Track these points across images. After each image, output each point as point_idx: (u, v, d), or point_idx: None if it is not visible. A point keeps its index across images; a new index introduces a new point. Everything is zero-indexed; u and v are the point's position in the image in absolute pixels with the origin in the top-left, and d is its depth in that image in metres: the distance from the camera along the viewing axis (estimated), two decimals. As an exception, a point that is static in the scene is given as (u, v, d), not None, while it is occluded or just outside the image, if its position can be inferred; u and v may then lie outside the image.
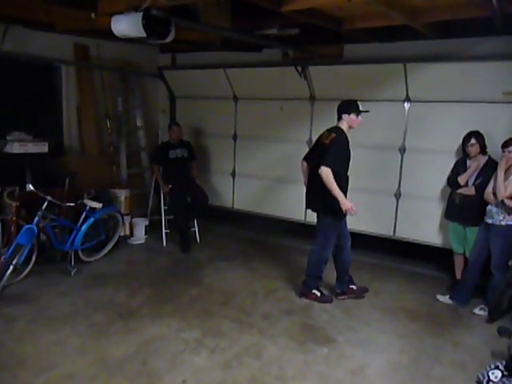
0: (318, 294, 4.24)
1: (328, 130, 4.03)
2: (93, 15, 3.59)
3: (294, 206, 5.89)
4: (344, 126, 3.97)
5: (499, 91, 4.41)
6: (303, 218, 5.87)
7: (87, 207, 4.72)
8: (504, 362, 2.97)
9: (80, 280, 4.51)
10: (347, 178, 4.03)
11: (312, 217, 5.72)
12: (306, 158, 4.27)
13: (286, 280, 4.74)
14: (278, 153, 5.94)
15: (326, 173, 3.77)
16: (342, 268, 4.30)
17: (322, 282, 4.34)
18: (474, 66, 4.47)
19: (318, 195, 3.99)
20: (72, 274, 4.57)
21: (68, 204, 4.60)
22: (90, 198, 4.80)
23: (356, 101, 3.98)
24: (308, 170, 4.16)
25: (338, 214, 3.91)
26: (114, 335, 3.47)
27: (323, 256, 4.15)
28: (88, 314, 3.79)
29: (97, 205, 4.76)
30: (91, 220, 4.77)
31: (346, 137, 3.96)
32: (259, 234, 6.29)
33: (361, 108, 3.94)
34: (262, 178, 6.13)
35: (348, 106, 3.96)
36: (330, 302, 4.22)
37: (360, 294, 4.32)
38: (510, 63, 4.26)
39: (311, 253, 4.21)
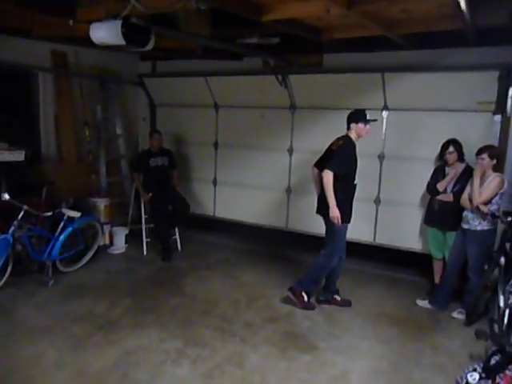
0: (305, 298, 4.24)
1: (338, 138, 4.12)
2: (71, 22, 3.56)
3: (276, 213, 5.93)
4: (353, 134, 4.05)
5: (474, 100, 4.54)
6: (285, 226, 5.90)
7: (65, 216, 4.64)
8: (482, 365, 3.02)
9: (58, 291, 4.41)
10: (354, 185, 4.11)
11: (294, 224, 5.82)
12: (316, 164, 4.30)
13: (268, 288, 4.73)
14: (259, 161, 5.97)
15: (327, 176, 3.88)
16: (331, 277, 4.33)
17: (316, 289, 4.34)
18: (448, 76, 4.59)
19: (326, 199, 4.00)
20: (49, 285, 4.47)
21: (45, 213, 4.51)
22: (68, 207, 4.72)
23: (364, 110, 4.07)
24: (318, 176, 4.18)
25: (343, 217, 3.96)
26: (93, 347, 3.41)
27: (328, 263, 4.16)
28: (66, 326, 3.71)
29: (75, 214, 4.68)
30: (69, 229, 4.69)
31: (354, 145, 4.05)
32: (241, 242, 6.28)
33: (368, 117, 4.02)
34: (244, 186, 6.13)
35: (356, 116, 4.05)
36: (313, 309, 4.23)
37: (342, 305, 4.33)
38: (483, 73, 4.39)
39: (318, 256, 4.21)
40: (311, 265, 4.28)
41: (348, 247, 4.24)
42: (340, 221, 3.93)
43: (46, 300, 4.19)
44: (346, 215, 4.03)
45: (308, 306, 4.23)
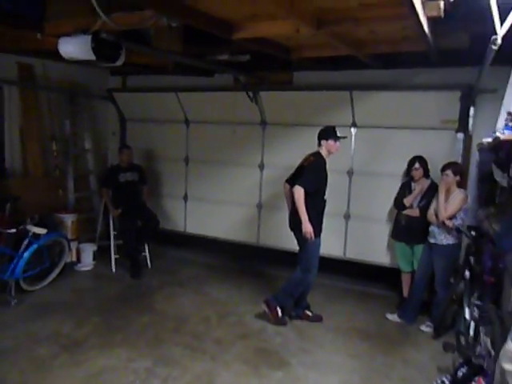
0: (280, 313, 4.22)
1: (309, 155, 4.17)
2: (39, 36, 3.50)
3: (247, 229, 5.92)
4: (323, 151, 4.11)
5: (438, 119, 4.71)
6: (256, 241, 5.90)
7: (30, 233, 4.49)
8: (449, 377, 3.08)
9: (21, 311, 4.25)
10: (324, 201, 4.16)
11: (265, 239, 5.83)
12: (287, 180, 4.33)
13: (239, 304, 4.70)
14: (230, 176, 5.97)
15: (298, 192, 3.92)
16: (303, 292, 4.32)
17: (291, 304, 4.32)
18: (414, 95, 4.75)
19: (297, 215, 4.02)
20: (12, 304, 4.30)
21: (8, 230, 4.36)
22: (33, 224, 4.58)
23: (334, 127, 4.14)
24: (290, 192, 4.19)
25: (314, 231, 3.99)
26: (58, 369, 3.29)
27: (305, 278, 4.16)
28: (30, 347, 3.57)
29: (41, 230, 4.55)
30: (34, 246, 4.54)
31: (324, 161, 4.10)
32: (212, 258, 6.23)
33: (338, 134, 4.09)
34: (215, 202, 6.11)
35: (326, 133, 4.12)
36: (284, 325, 4.22)
37: (314, 321, 4.34)
38: (446, 93, 4.57)
39: (295, 272, 4.21)
40: (287, 280, 4.28)
41: (319, 262, 4.27)
42: (313, 236, 3.97)
43: (8, 320, 4.03)
44: (317, 230, 4.07)
45: (280, 322, 4.22)
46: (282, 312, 4.25)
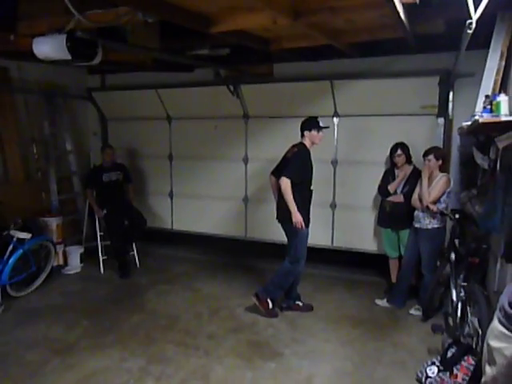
0: (270, 305, 4.24)
1: (292, 146, 4.18)
2: (12, 37, 3.42)
3: (234, 223, 5.92)
4: (307, 142, 4.13)
5: (418, 105, 4.75)
6: (244, 235, 5.91)
7: (14, 238, 4.43)
8: (439, 358, 3.14)
9: (9, 317, 4.20)
10: (311, 191, 4.18)
11: (253, 233, 5.84)
12: (273, 173, 4.34)
13: (230, 298, 4.71)
14: (215, 171, 5.95)
15: (285, 183, 3.94)
16: (292, 283, 4.34)
17: (281, 295, 4.34)
18: (393, 82, 4.78)
19: (285, 206, 4.04)
20: (0, 311, 4.24)
21: (-8, 236, 4.29)
22: (16, 229, 4.51)
23: (316, 118, 4.15)
24: (276, 184, 4.20)
25: (303, 220, 4.01)
26: (50, 374, 3.26)
27: (294, 269, 4.17)
28: (19, 353, 3.53)
29: (25, 235, 4.49)
30: (20, 252, 4.48)
31: (308, 152, 4.12)
32: (201, 254, 6.22)
33: (321, 124, 4.10)
34: (201, 198, 6.10)
35: (309, 123, 4.13)
36: (276, 316, 4.25)
37: (305, 311, 4.37)
38: (425, 79, 4.61)
39: (283, 264, 4.22)
40: (276, 271, 4.29)
41: (307, 252, 4.30)
42: (303, 225, 3.99)
43: (-4, 328, 3.98)
44: (305, 220, 4.09)
45: (271, 314, 4.24)
46: (273, 304, 4.27)
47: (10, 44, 3.69)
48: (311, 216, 4.23)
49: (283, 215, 4.13)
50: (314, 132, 4.10)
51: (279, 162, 4.30)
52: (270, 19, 3.12)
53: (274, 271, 4.44)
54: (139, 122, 6.38)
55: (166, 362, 3.44)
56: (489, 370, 1.77)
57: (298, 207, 3.99)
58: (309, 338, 3.86)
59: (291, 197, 3.95)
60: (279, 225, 4.27)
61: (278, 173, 4.18)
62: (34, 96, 5.81)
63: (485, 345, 1.83)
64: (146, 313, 4.36)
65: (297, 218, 3.97)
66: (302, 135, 4.16)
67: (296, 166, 4.03)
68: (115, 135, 6.60)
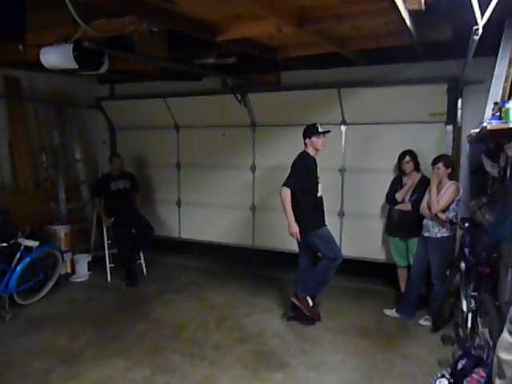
0: (310, 303, 4.19)
1: (297, 155, 4.17)
2: (21, 47, 3.47)
3: (242, 231, 5.90)
4: (309, 149, 4.13)
5: (426, 112, 4.72)
6: (251, 243, 5.88)
7: (22, 246, 4.45)
8: (449, 370, 3.06)
9: (16, 325, 4.21)
10: (318, 198, 4.15)
11: (260, 241, 5.81)
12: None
13: (237, 308, 4.67)
14: (222, 180, 5.95)
15: (283, 192, 3.95)
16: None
17: (321, 292, 4.28)
18: (401, 90, 4.76)
19: (296, 217, 4.02)
20: (7, 319, 4.25)
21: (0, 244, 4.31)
22: (25, 237, 4.53)
23: (315, 124, 4.13)
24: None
25: (314, 223, 4.02)
26: (55, 382, 3.25)
27: (332, 265, 4.08)
28: (25, 361, 3.52)
29: (33, 243, 4.51)
30: (27, 260, 4.50)
31: (312, 159, 4.11)
32: (208, 263, 6.20)
33: (320, 129, 4.08)
34: (208, 206, 6.09)
35: (308, 131, 4.13)
36: (317, 315, 4.22)
37: (312, 319, 4.29)
38: (433, 86, 4.58)
39: (320, 263, 4.15)
40: (315, 269, 4.18)
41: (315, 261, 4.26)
42: (299, 236, 3.98)
43: (2, 335, 3.98)
44: (319, 220, 4.10)
45: (313, 311, 4.19)
46: (313, 302, 4.21)
47: (19, 54, 3.76)
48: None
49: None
50: (314, 138, 4.09)
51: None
52: (275, 27, 3.13)
53: (281, 280, 4.41)
54: (147, 130, 6.42)
55: (172, 372, 3.41)
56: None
57: (306, 213, 4.00)
58: (316, 349, 3.80)
59: (289, 206, 3.95)
60: (287, 233, 4.23)
61: None
62: (44, 105, 5.88)
63: (494, 357, 1.78)
64: (152, 322, 4.33)
65: (292, 228, 3.96)
66: (304, 144, 4.15)
67: (295, 174, 4.03)
68: (123, 144, 6.65)
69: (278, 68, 5.34)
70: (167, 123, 6.19)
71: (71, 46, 3.08)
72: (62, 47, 3.11)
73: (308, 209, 4.03)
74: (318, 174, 4.15)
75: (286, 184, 3.97)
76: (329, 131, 4.18)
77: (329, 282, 4.24)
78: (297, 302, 4.19)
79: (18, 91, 5.53)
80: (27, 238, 4.54)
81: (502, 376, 1.69)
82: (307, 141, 4.12)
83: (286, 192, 3.94)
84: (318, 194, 4.16)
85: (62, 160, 5.99)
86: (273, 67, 5.26)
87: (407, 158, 4.47)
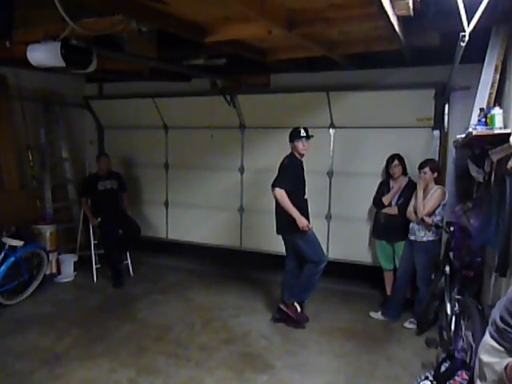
0: (298, 308, 4.21)
1: (284, 157, 4.21)
2: (7, 44, 3.42)
3: (230, 233, 5.89)
4: (295, 153, 4.15)
5: (414, 117, 4.77)
6: (239, 245, 5.87)
7: (6, 246, 4.39)
8: (433, 372, 3.10)
9: (-1, 326, 4.15)
10: (304, 200, 4.17)
11: (248, 243, 5.80)
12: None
13: (223, 309, 4.66)
14: (210, 181, 5.94)
15: (280, 193, 3.97)
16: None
17: (308, 297, 4.29)
18: (389, 95, 4.80)
19: (283, 218, 4.08)
20: (-10, 319, 4.20)
21: (-17, 244, 4.25)
22: (9, 236, 4.48)
23: (298, 128, 4.15)
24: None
25: (296, 226, 4.00)
26: (37, 383, 3.19)
27: (316, 268, 4.10)
28: (8, 362, 3.47)
29: (17, 243, 4.45)
30: (11, 259, 4.44)
31: (299, 162, 4.15)
32: (195, 264, 6.17)
33: (302, 134, 4.09)
34: (196, 207, 6.07)
35: (291, 135, 4.16)
36: (307, 320, 4.22)
37: (300, 323, 4.29)
38: (420, 92, 4.62)
39: (306, 267, 4.16)
40: (301, 275, 4.20)
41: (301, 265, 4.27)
42: (310, 226, 4.00)
43: (-15, 336, 3.92)
44: (307, 218, 4.09)
45: (302, 317, 4.20)
46: (301, 307, 4.21)
47: (6, 51, 3.71)
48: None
49: (282, 228, 4.14)
50: (296, 143, 4.12)
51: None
52: (265, 29, 3.14)
53: (268, 282, 4.39)
54: (136, 130, 6.38)
55: (156, 373, 3.38)
56: (480, 386, 1.73)
57: (294, 222, 3.99)
58: (302, 350, 3.81)
59: (290, 204, 3.95)
60: (274, 235, 4.24)
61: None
62: (31, 103, 5.81)
63: (476, 359, 1.80)
64: (138, 323, 4.30)
65: (302, 222, 3.96)
66: (290, 147, 4.19)
67: (286, 175, 4.05)
68: (111, 144, 6.59)
69: (267, 70, 5.36)
70: (156, 123, 6.16)
71: (59, 43, 3.05)
72: (50, 45, 3.08)
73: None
74: (305, 177, 4.18)
75: (278, 185, 3.98)
76: (311, 136, 4.17)
77: (315, 286, 4.27)
78: (285, 309, 4.21)
79: (5, 88, 5.45)
80: (12, 237, 4.50)
81: (482, 378, 1.70)
82: (291, 145, 4.16)
83: (282, 193, 3.95)
84: (305, 196, 4.19)
85: (49, 159, 5.92)
86: (262, 69, 5.28)
87: (396, 162, 4.51)
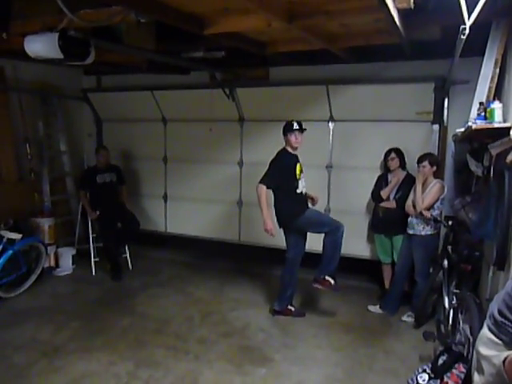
0: (292, 308, 4.31)
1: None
2: (4, 35, 3.39)
3: (228, 226, 5.89)
4: (288, 146, 4.15)
5: (413, 111, 4.75)
6: (238, 239, 5.87)
7: (4, 239, 4.39)
8: (430, 365, 3.11)
9: (-2, 318, 4.15)
10: (300, 194, 4.16)
11: (246, 236, 5.80)
12: None
13: (222, 302, 4.67)
14: (209, 174, 5.93)
15: (259, 189, 4.00)
16: (286, 287, 4.33)
17: (336, 267, 4.23)
18: (389, 88, 4.78)
19: (279, 210, 4.15)
20: (-12, 312, 4.20)
21: (-19, 237, 4.25)
22: (7, 229, 4.47)
23: (291, 121, 4.14)
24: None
25: (296, 211, 4.07)
26: (36, 376, 3.22)
27: (336, 236, 4.07)
28: (6, 355, 3.48)
29: (15, 236, 4.45)
30: (9, 252, 4.44)
31: (290, 155, 4.13)
32: (194, 258, 6.18)
33: (295, 127, 4.08)
34: (195, 200, 6.06)
35: (284, 129, 4.15)
36: (303, 315, 4.30)
37: (296, 316, 4.33)
38: (420, 85, 4.60)
39: (325, 241, 4.14)
40: (325, 247, 4.15)
41: (304, 255, 4.30)
42: (273, 233, 4.04)
43: (-17, 329, 3.92)
44: (300, 208, 4.13)
45: (299, 314, 4.30)
46: (334, 278, 4.18)
47: (3, 43, 3.67)
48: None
49: (284, 219, 4.17)
50: (289, 136, 4.11)
51: None
52: (265, 22, 3.12)
53: (268, 275, 4.38)
54: (134, 123, 6.35)
55: (155, 365, 3.40)
56: (477, 379, 1.74)
57: (284, 206, 4.10)
58: (300, 344, 3.82)
59: (264, 203, 4.00)
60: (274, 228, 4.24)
61: None
62: (29, 96, 5.78)
63: (474, 352, 1.81)
64: (137, 316, 4.31)
65: (267, 224, 4.00)
66: (284, 141, 4.18)
67: (270, 171, 4.06)
68: (110, 136, 6.56)
69: (266, 63, 5.33)
70: (154, 116, 6.13)
71: (57, 35, 3.02)
72: (47, 36, 3.05)
73: (287, 202, 4.10)
74: (298, 171, 4.15)
75: (261, 181, 4.02)
76: (305, 129, 4.15)
77: (338, 257, 4.16)
78: (319, 286, 4.15)
79: (2, 80, 5.42)
80: (10, 230, 4.49)
81: (480, 371, 1.71)
82: (284, 138, 4.15)
83: (262, 189, 3.98)
84: (298, 191, 4.15)
85: (47, 151, 5.90)
86: (262, 62, 5.25)
87: (392, 155, 4.51)
